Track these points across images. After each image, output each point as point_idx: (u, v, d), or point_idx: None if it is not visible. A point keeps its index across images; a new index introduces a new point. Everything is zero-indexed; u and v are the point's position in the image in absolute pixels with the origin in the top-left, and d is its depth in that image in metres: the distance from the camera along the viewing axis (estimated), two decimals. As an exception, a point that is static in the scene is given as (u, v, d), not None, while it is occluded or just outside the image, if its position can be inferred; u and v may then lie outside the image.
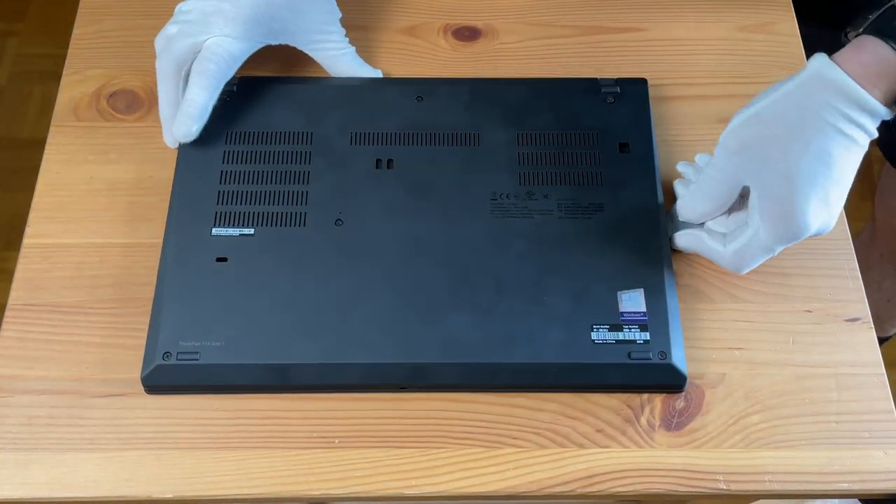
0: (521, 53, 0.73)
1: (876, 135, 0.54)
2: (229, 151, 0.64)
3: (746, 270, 0.60)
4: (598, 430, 0.58)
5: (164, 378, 0.57)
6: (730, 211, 0.60)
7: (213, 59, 0.63)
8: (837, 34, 0.73)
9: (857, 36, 0.54)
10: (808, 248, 0.64)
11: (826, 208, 0.55)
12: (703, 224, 0.61)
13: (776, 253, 0.57)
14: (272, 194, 0.63)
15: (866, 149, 0.55)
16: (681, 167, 0.64)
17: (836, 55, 0.54)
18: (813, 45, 0.76)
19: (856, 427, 0.58)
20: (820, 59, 0.54)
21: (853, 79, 0.52)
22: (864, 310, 0.62)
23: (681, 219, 0.62)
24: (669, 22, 0.75)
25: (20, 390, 0.58)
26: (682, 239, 0.62)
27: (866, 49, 0.53)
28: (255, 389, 0.58)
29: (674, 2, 0.76)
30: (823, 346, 0.61)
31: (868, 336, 0.61)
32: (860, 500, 1.14)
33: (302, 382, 0.58)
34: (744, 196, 0.58)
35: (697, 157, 0.63)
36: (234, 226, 0.61)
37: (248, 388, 0.58)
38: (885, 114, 0.53)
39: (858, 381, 0.60)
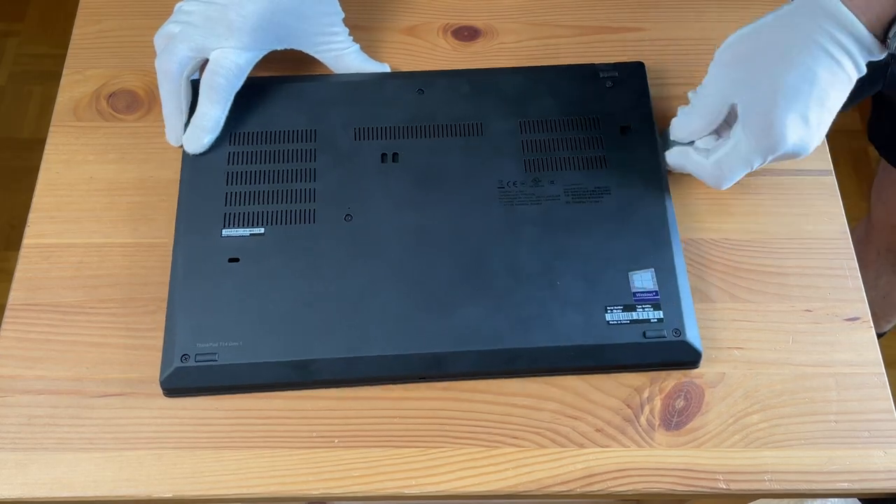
0: (520, 53, 0.73)
1: (864, 70, 0.57)
2: (234, 153, 0.64)
3: (726, 185, 0.62)
4: (598, 430, 0.58)
5: (183, 380, 0.57)
6: (718, 133, 0.62)
7: (222, 73, 0.63)
8: None
9: None
10: (808, 248, 0.65)
11: (805, 126, 0.57)
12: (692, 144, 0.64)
13: (754, 168, 0.60)
14: (280, 193, 0.63)
15: (853, 82, 0.57)
16: (690, 94, 0.65)
17: None
18: None
19: (855, 427, 0.58)
20: None
21: (847, 6, 0.55)
22: (863, 309, 0.62)
23: (672, 138, 0.64)
24: (669, 22, 0.75)
25: (20, 390, 0.58)
26: (672, 156, 0.64)
27: None
28: (275, 387, 0.58)
29: (673, 2, 0.76)
30: (823, 345, 0.61)
31: (868, 336, 0.61)
32: (860, 499, 1.14)
33: (322, 378, 0.58)
34: (729, 122, 0.61)
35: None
36: (243, 226, 0.61)
37: (268, 386, 0.58)
38: (871, 44, 0.56)
39: (858, 380, 0.60)
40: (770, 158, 0.59)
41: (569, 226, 0.62)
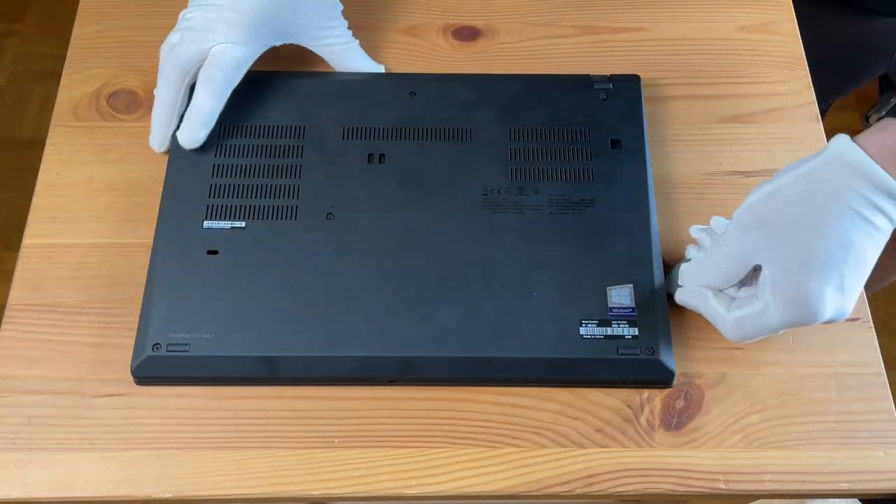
0: (521, 53, 0.73)
1: None
2: (222, 145, 0.64)
3: (745, 342, 0.57)
4: (598, 430, 0.58)
5: (153, 370, 0.57)
6: (741, 283, 0.57)
7: (220, 67, 0.63)
8: (831, 13, 0.70)
9: (879, 119, 0.52)
10: (808, 248, 0.64)
11: (841, 295, 0.52)
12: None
13: (779, 333, 0.55)
14: (264, 188, 0.63)
15: (888, 236, 0.52)
16: (695, 232, 0.60)
17: (859, 137, 0.52)
18: (807, 25, 0.76)
19: (856, 427, 0.58)
20: (841, 140, 0.52)
21: (876, 161, 0.50)
22: (864, 310, 0.62)
23: (680, 283, 0.59)
24: (669, 22, 0.75)
25: (20, 390, 0.58)
26: (685, 295, 0.59)
27: (890, 131, 0.51)
28: (244, 381, 0.58)
29: (674, 2, 0.76)
30: (823, 346, 0.61)
31: (868, 336, 0.61)
32: (860, 500, 1.14)
33: (291, 375, 0.58)
34: (756, 270, 0.55)
35: (713, 221, 0.59)
36: (225, 219, 0.61)
37: (237, 380, 0.58)
38: None
39: (858, 381, 0.60)
40: (801, 327, 0.54)
41: (550, 237, 0.61)
